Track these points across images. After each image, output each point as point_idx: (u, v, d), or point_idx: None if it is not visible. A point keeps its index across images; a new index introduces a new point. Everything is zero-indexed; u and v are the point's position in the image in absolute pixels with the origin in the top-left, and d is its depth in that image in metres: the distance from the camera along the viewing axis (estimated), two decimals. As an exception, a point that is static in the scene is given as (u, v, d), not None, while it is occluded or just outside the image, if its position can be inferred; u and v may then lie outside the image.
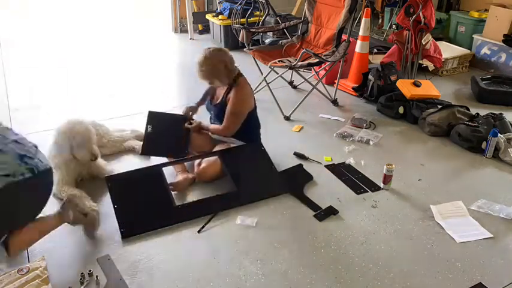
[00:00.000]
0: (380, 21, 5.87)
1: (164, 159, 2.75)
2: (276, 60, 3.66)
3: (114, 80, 4.37)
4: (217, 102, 2.81)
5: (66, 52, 5.04)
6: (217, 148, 2.80)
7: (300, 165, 2.88)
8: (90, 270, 2.00)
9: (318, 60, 3.52)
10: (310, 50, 3.63)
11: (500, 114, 3.30)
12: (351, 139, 3.25)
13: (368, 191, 2.67)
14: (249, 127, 2.83)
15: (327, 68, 3.81)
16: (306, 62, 3.58)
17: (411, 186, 2.73)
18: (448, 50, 4.65)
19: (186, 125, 2.79)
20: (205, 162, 2.70)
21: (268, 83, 3.67)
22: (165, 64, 4.95)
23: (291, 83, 4.24)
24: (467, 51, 4.78)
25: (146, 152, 2.79)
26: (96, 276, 1.98)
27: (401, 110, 3.58)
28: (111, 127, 3.11)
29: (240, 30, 3.83)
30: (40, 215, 2.06)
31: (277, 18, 4.49)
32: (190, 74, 4.39)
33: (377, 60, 4.46)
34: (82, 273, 1.99)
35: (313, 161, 2.96)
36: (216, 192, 2.58)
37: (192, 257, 2.14)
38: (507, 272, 2.09)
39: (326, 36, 3.82)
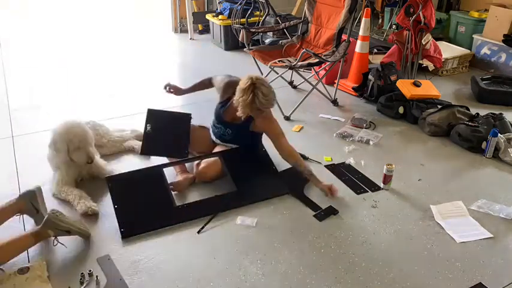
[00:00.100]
0: (380, 21, 5.87)
1: (164, 160, 2.75)
2: (276, 60, 3.66)
3: (114, 80, 4.37)
4: (236, 122, 2.67)
5: (66, 52, 5.03)
6: (217, 148, 2.80)
7: (300, 165, 2.88)
8: (90, 270, 2.00)
9: (318, 60, 3.52)
10: (310, 50, 3.63)
11: (500, 114, 3.30)
12: (351, 139, 3.25)
13: (368, 191, 2.67)
14: (255, 137, 2.81)
15: (327, 68, 3.81)
16: (306, 62, 3.58)
17: (411, 186, 2.73)
18: (448, 50, 4.65)
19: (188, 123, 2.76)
20: (206, 162, 2.70)
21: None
22: (165, 64, 4.95)
23: (291, 83, 4.24)
24: (467, 51, 4.78)
25: (145, 151, 2.78)
26: (96, 276, 1.98)
27: (401, 110, 3.58)
28: (111, 127, 3.11)
29: (240, 30, 3.83)
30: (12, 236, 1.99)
31: (277, 18, 4.49)
32: (190, 74, 4.39)
33: (377, 60, 4.46)
34: (82, 273, 1.99)
35: (313, 161, 2.96)
36: (216, 193, 2.58)
37: (192, 257, 2.14)
38: (507, 272, 2.09)
39: (326, 36, 3.82)
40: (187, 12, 5.72)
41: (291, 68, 3.59)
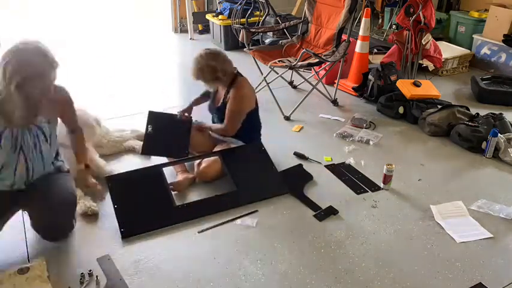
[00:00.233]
0: (380, 21, 5.87)
1: (164, 159, 2.75)
2: (276, 60, 3.66)
3: (114, 80, 4.37)
4: (219, 104, 2.82)
5: (66, 52, 5.03)
6: (217, 148, 2.81)
7: (300, 165, 2.88)
8: (90, 270, 2.00)
9: (318, 60, 3.52)
10: (310, 50, 3.63)
11: (500, 114, 3.30)
12: (351, 139, 3.25)
13: (368, 191, 2.67)
14: (250, 128, 2.84)
15: (327, 68, 3.81)
16: (306, 62, 3.58)
17: (411, 186, 2.73)
18: (448, 50, 4.65)
19: (186, 121, 2.80)
20: (206, 162, 2.71)
21: (268, 83, 3.67)
22: (165, 64, 4.95)
23: (291, 83, 4.24)
24: (467, 51, 4.78)
25: (146, 151, 2.79)
26: (96, 276, 1.98)
27: (401, 110, 3.58)
28: (111, 127, 3.11)
29: (240, 30, 3.83)
30: None
31: (277, 18, 4.49)
32: (190, 74, 4.39)
33: (377, 60, 4.46)
34: (82, 273, 1.99)
35: (313, 161, 2.96)
36: (216, 193, 2.59)
37: (192, 257, 2.14)
38: (507, 272, 2.09)
39: (326, 36, 3.82)
40: (187, 12, 5.72)
41: (291, 68, 3.59)
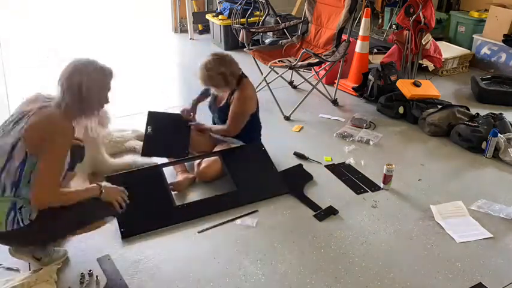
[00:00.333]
0: (380, 21, 5.87)
1: (164, 159, 2.75)
2: (276, 60, 3.66)
3: (114, 80, 4.36)
4: (221, 105, 2.81)
5: (66, 52, 5.03)
6: (217, 148, 2.81)
7: (300, 165, 2.88)
8: (90, 270, 2.00)
9: (318, 60, 3.52)
10: (310, 50, 3.63)
11: (500, 114, 3.30)
12: (351, 139, 3.25)
13: (368, 191, 2.67)
14: (251, 128, 2.84)
15: (327, 68, 3.81)
16: (306, 62, 3.58)
17: (411, 186, 2.73)
18: (448, 50, 4.65)
19: (188, 124, 2.79)
20: (206, 162, 2.71)
21: (268, 83, 3.67)
22: (165, 64, 4.95)
23: (291, 83, 4.24)
24: (467, 51, 4.78)
25: (146, 152, 2.78)
26: (96, 276, 1.98)
27: (401, 110, 3.58)
28: (112, 127, 3.10)
29: (240, 30, 3.83)
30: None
31: (277, 18, 4.49)
32: (190, 74, 4.39)
33: (377, 60, 4.46)
34: (82, 273, 1.99)
35: (313, 161, 2.96)
36: (216, 193, 2.59)
37: (192, 257, 2.14)
38: (507, 272, 2.09)
39: (326, 36, 3.82)
40: (187, 12, 5.72)
41: (291, 68, 3.59)
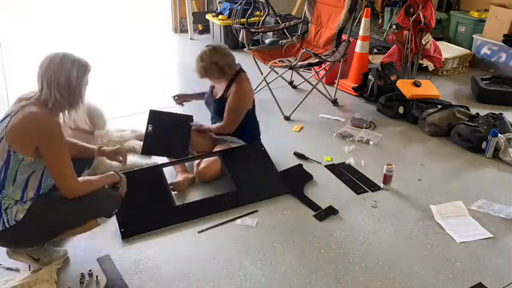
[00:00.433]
0: (380, 21, 5.87)
1: (164, 159, 2.75)
2: (276, 60, 3.66)
3: (114, 80, 4.37)
4: (217, 97, 2.82)
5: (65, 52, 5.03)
6: (217, 148, 2.80)
7: (300, 165, 2.88)
8: (90, 270, 2.00)
9: (318, 60, 3.52)
10: (310, 50, 3.63)
11: (500, 114, 3.30)
12: (351, 139, 3.25)
13: (368, 191, 2.67)
14: (249, 126, 2.84)
15: (327, 68, 3.81)
16: (306, 62, 3.58)
17: (411, 186, 2.73)
18: (448, 50, 4.65)
19: (190, 124, 2.80)
20: (205, 162, 2.71)
21: (268, 83, 3.67)
22: (165, 64, 4.95)
23: (291, 83, 4.24)
24: (467, 51, 4.78)
25: (146, 151, 2.78)
26: (96, 276, 1.98)
27: (401, 110, 3.58)
28: (111, 127, 3.10)
29: (240, 30, 3.83)
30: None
31: (277, 18, 4.49)
32: (190, 74, 4.39)
33: (377, 60, 4.46)
34: (82, 273, 1.99)
35: (313, 161, 2.96)
36: (216, 193, 2.59)
37: (192, 257, 2.14)
38: (507, 272, 2.09)
39: (326, 36, 3.82)
40: (187, 12, 5.72)
41: (291, 68, 3.59)
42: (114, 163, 2.72)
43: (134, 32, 6.05)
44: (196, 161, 2.76)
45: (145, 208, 2.38)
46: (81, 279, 1.97)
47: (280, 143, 3.12)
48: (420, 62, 4.25)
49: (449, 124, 3.29)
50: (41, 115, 1.81)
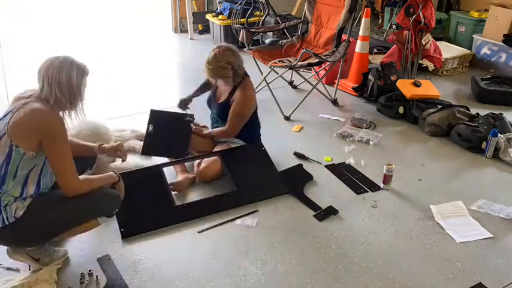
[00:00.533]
0: (380, 21, 5.87)
1: (164, 159, 2.75)
2: (276, 60, 3.66)
3: (114, 80, 4.37)
4: (221, 101, 2.81)
5: (66, 52, 5.03)
6: (217, 148, 2.80)
7: (300, 165, 2.88)
8: (90, 270, 2.00)
9: (318, 60, 3.52)
10: (310, 50, 3.63)
11: (500, 114, 3.30)
12: (351, 139, 3.25)
13: (368, 191, 2.67)
14: (251, 127, 2.84)
15: (327, 68, 3.81)
16: (306, 62, 3.58)
17: (411, 186, 2.73)
18: (448, 50, 4.65)
19: (191, 125, 2.80)
20: (205, 162, 2.71)
21: (268, 83, 3.67)
22: (165, 64, 4.95)
23: (291, 83, 4.24)
24: (467, 51, 4.78)
25: (146, 151, 2.78)
26: (96, 276, 1.98)
27: (401, 110, 3.58)
28: (111, 127, 3.10)
29: (240, 30, 3.83)
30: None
31: (277, 18, 4.49)
32: (190, 73, 4.39)
33: (377, 60, 4.46)
34: (82, 273, 1.99)
35: (313, 161, 2.96)
36: (216, 193, 2.59)
37: (192, 257, 2.14)
38: (507, 272, 2.09)
39: (326, 36, 3.82)
40: (187, 12, 5.72)
41: (291, 68, 3.59)
42: (114, 165, 2.73)
43: (134, 32, 6.05)
44: (197, 161, 2.76)
45: (145, 208, 2.38)
46: (81, 279, 1.97)
47: (280, 143, 3.12)
48: (420, 62, 4.25)
49: (449, 124, 3.29)
50: (44, 111, 1.83)
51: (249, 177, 2.64)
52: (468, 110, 3.44)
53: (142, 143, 2.83)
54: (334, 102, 3.88)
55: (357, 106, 3.88)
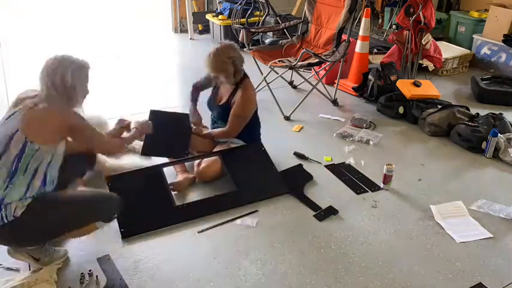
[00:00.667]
0: (380, 21, 5.87)
1: (164, 159, 2.75)
2: (276, 60, 3.66)
3: (114, 80, 4.37)
4: (222, 103, 2.81)
5: (66, 52, 5.03)
6: (217, 148, 2.80)
7: (300, 165, 2.88)
8: (90, 270, 2.00)
9: (318, 60, 3.52)
10: (310, 50, 3.63)
11: (500, 114, 3.30)
12: (351, 139, 3.25)
13: (368, 191, 2.67)
14: (251, 127, 2.84)
15: (327, 68, 3.81)
16: (306, 62, 3.58)
17: (411, 186, 2.73)
18: (448, 50, 4.65)
19: (190, 123, 2.80)
20: (205, 162, 2.71)
21: (268, 83, 3.67)
22: (165, 64, 4.95)
23: (291, 83, 4.24)
24: (467, 51, 4.78)
25: (146, 152, 2.77)
26: (96, 276, 1.98)
27: (401, 110, 3.58)
28: (111, 127, 3.10)
29: (240, 30, 3.83)
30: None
31: (277, 18, 4.49)
32: (190, 73, 4.38)
33: (377, 60, 4.46)
34: (82, 273, 1.99)
35: (313, 161, 2.96)
36: (216, 193, 2.59)
37: (192, 257, 2.14)
38: (507, 272, 2.09)
39: (326, 36, 3.82)
40: (187, 12, 5.72)
41: (291, 68, 3.59)
42: (110, 162, 2.74)
43: (134, 32, 6.05)
44: (197, 161, 2.76)
45: (145, 208, 2.38)
46: (81, 279, 1.97)
47: (280, 143, 3.12)
48: (420, 62, 4.25)
49: (449, 124, 3.29)
50: (57, 111, 1.91)
51: (249, 177, 2.64)
52: (468, 110, 3.44)
53: (142, 143, 2.83)
54: (334, 102, 3.88)
55: (357, 106, 3.88)
